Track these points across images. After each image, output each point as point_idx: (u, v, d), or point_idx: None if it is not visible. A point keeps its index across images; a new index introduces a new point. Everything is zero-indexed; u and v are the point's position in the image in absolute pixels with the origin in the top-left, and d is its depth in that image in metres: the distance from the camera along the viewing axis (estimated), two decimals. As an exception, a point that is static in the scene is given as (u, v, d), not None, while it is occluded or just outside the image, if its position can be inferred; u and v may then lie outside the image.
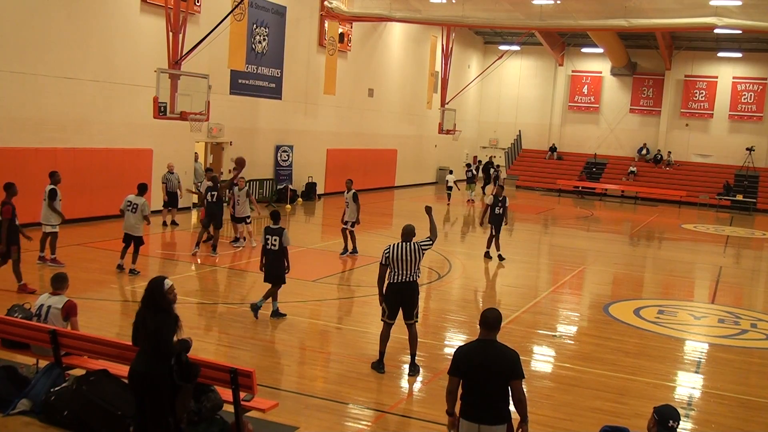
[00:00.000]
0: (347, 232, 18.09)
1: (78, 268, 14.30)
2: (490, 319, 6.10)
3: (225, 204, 18.33)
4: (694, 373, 10.97)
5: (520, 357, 6.02)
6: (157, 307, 6.36)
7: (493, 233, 18.83)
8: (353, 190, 18.14)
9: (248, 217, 18.24)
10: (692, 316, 14.62)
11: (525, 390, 5.99)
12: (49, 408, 7.48)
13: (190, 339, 6.62)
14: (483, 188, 37.83)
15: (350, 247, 18.15)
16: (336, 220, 19.78)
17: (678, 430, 5.51)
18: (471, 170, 34.90)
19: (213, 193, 17.49)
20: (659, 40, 39.31)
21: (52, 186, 14.71)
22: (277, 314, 12.02)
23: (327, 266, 17.28)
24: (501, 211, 18.71)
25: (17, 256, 12.68)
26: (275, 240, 11.84)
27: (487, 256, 18.95)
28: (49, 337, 7.72)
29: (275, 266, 11.94)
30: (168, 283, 6.50)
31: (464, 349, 6.15)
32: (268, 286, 12.06)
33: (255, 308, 12.01)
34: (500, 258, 18.69)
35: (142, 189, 14.77)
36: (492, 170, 39.18)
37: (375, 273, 10.16)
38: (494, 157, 45.61)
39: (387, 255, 9.58)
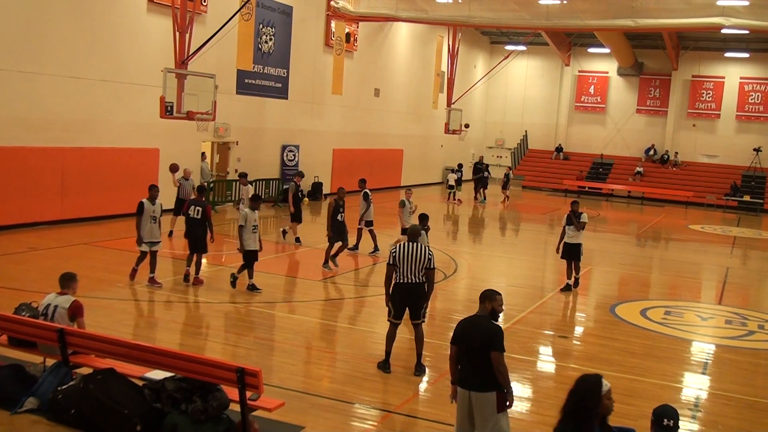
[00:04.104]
0: (366, 231, 18.32)
1: (85, 267, 14.30)
2: (480, 295, 7.00)
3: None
4: (701, 374, 10.94)
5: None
6: (580, 413, 5.23)
7: (564, 258, 15.72)
8: (365, 190, 18.38)
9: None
10: (699, 317, 14.58)
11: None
12: (56, 406, 7.51)
13: None
14: (479, 192, 35.49)
15: (356, 244, 18.38)
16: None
17: (680, 429, 5.48)
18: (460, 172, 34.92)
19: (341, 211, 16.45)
20: (666, 40, 39.22)
21: (141, 200, 13.69)
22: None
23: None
24: (578, 230, 15.49)
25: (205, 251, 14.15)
26: None
27: (567, 288, 15.62)
28: (57, 336, 7.75)
29: None
30: (606, 384, 5.42)
31: (461, 322, 6.96)
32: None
33: None
34: (572, 285, 15.70)
35: (256, 199, 13.87)
36: (486, 173, 36.04)
37: (382, 273, 10.16)
38: (482, 157, 42.33)
39: (394, 254, 9.59)
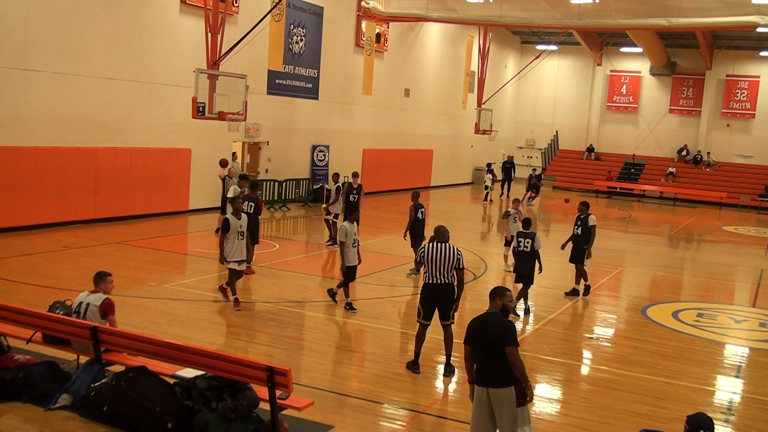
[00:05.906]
0: (331, 222, 19.08)
1: (117, 266, 14.46)
2: (490, 293, 7.03)
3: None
4: (734, 377, 10.80)
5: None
6: None
7: (573, 262, 15.19)
8: (338, 184, 19.16)
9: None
10: (732, 319, 14.39)
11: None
12: (89, 403, 7.61)
13: None
14: (504, 188, 35.58)
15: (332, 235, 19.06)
16: (373, 220, 19.83)
17: None
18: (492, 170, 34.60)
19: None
20: (700, 39, 38.72)
21: (226, 216, 12.82)
22: (527, 311, 12.99)
23: (362, 266, 17.28)
24: (579, 231, 14.98)
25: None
26: (528, 243, 12.83)
27: (574, 293, 15.12)
28: (90, 334, 7.85)
29: (526, 267, 13.05)
30: None
31: (472, 321, 6.94)
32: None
33: (524, 310, 13.04)
34: (582, 291, 15.13)
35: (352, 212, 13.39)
36: (512, 171, 35.97)
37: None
38: (511, 157, 41.20)
39: (422, 254, 9.60)
